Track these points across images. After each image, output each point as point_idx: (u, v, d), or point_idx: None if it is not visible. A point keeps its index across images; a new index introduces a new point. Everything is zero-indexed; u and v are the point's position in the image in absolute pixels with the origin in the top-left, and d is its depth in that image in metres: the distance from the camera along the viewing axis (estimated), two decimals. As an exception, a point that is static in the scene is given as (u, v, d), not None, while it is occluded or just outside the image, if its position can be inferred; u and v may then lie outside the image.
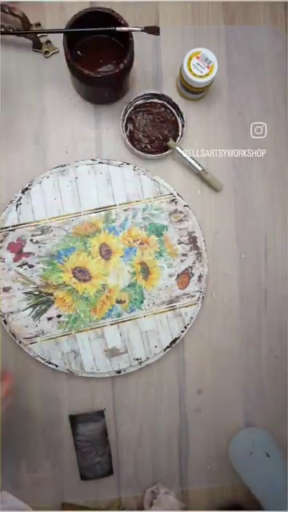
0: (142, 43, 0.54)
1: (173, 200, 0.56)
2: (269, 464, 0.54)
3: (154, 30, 0.47)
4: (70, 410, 0.55)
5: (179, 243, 0.56)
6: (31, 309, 0.54)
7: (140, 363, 0.55)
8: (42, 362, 0.54)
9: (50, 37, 0.56)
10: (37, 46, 0.55)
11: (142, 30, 0.46)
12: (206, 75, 0.52)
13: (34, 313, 0.54)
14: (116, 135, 0.57)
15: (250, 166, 0.59)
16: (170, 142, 0.55)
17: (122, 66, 0.47)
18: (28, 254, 0.55)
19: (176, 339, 0.56)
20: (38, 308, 0.54)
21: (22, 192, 0.55)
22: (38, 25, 0.55)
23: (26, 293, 0.54)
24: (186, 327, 0.56)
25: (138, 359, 0.55)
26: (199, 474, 0.57)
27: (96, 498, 0.56)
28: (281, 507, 0.51)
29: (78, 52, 0.50)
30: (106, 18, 0.47)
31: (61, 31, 0.47)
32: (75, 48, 0.50)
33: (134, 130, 0.57)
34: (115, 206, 0.55)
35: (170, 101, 0.57)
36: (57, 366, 0.54)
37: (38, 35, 0.54)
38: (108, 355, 0.55)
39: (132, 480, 0.56)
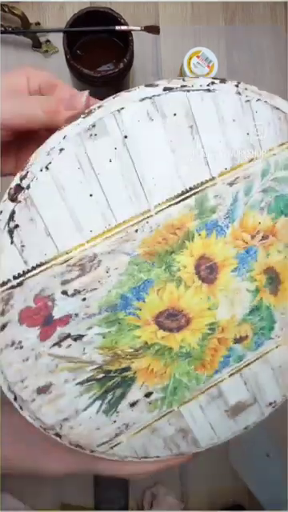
0: (141, 43, 0.54)
1: (311, 143, 0.29)
2: (269, 464, 0.53)
3: (153, 30, 0.48)
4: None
5: None
6: (99, 402, 0.30)
7: (274, 407, 0.37)
8: (137, 460, 0.33)
9: (50, 36, 0.55)
10: (36, 45, 0.55)
11: (141, 30, 0.47)
12: (207, 74, 0.51)
13: (104, 406, 0.30)
14: None
15: None
16: None
17: (121, 65, 0.46)
18: (64, 320, 0.27)
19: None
20: (110, 397, 0.30)
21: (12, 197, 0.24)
22: (38, 24, 0.55)
23: (80, 383, 0.29)
24: None
25: (271, 403, 0.36)
26: (199, 474, 0.56)
27: (96, 499, 0.55)
28: (281, 507, 0.50)
29: (78, 51, 0.50)
30: (105, 17, 0.46)
31: (60, 30, 0.46)
32: (75, 47, 0.49)
33: None
34: (213, 179, 0.27)
35: None
36: (158, 457, 0.34)
37: (38, 34, 0.54)
38: (230, 415, 0.35)
39: (132, 480, 0.54)
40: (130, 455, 0.33)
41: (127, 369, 0.30)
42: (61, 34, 0.47)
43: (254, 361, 0.34)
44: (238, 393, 0.35)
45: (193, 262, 0.29)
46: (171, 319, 0.30)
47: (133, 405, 0.31)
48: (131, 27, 0.46)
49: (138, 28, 0.46)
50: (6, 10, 0.51)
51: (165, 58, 0.57)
